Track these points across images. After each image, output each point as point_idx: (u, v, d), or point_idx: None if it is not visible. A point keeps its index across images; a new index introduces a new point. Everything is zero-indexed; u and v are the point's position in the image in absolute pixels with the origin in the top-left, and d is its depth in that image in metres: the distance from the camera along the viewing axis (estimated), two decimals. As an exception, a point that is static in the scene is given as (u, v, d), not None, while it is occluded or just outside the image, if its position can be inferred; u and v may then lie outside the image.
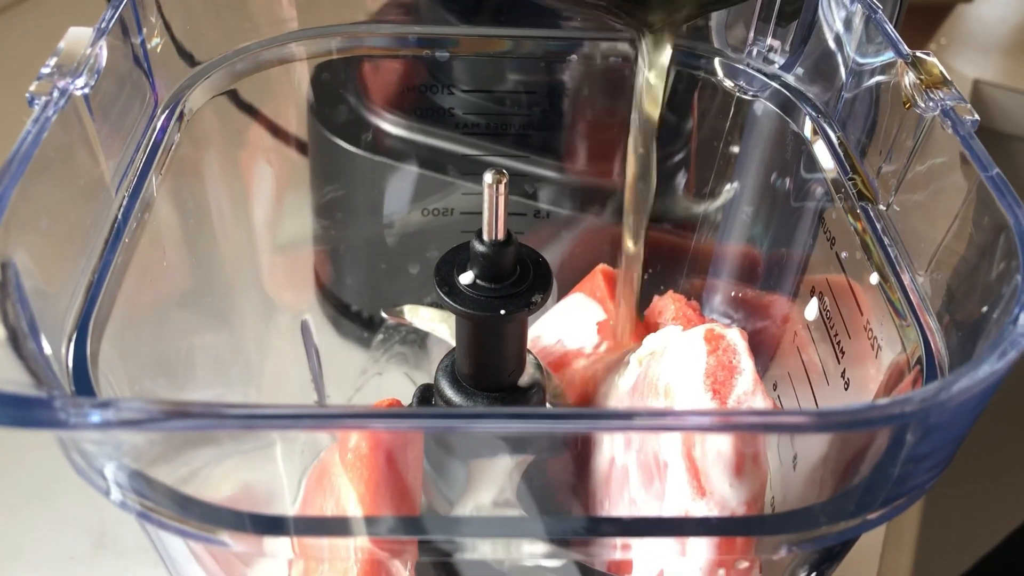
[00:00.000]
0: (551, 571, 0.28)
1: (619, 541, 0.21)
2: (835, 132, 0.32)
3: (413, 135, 0.39)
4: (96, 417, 0.18)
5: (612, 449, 0.30)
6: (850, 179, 0.30)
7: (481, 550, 0.21)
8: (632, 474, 0.28)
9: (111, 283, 0.25)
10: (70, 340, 0.23)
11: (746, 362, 0.27)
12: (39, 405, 0.18)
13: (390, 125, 0.39)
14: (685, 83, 0.36)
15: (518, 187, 0.39)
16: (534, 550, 0.21)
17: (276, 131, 0.39)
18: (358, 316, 0.41)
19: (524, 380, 0.31)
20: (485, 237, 0.28)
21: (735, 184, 0.36)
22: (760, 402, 0.27)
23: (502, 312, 0.28)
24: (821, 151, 0.31)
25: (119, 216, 0.27)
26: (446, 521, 0.22)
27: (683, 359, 0.28)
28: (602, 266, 0.36)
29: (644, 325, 0.35)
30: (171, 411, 0.18)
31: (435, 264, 0.29)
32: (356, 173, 0.39)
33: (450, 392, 0.31)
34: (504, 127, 0.38)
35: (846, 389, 0.29)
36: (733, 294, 0.37)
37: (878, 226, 0.28)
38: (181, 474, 0.21)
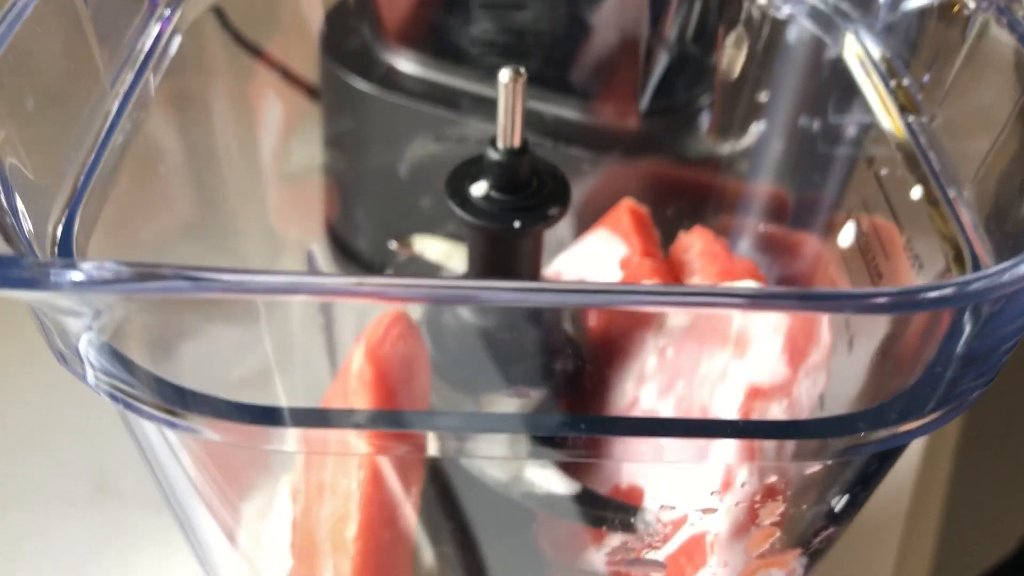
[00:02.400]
0: (562, 500, 0.26)
1: (636, 441, 0.19)
2: (875, 46, 0.30)
3: (428, 70, 0.38)
4: (66, 276, 0.17)
5: (640, 394, 0.28)
6: (891, 92, 0.28)
7: (489, 449, 0.20)
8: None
9: (101, 179, 0.24)
10: (56, 227, 0.22)
11: None
12: (8, 264, 0.17)
13: (404, 60, 0.38)
14: (717, 2, 0.34)
15: (538, 127, 0.37)
16: (544, 452, 0.20)
17: (284, 67, 0.37)
18: (367, 252, 0.40)
19: (539, 306, 0.29)
20: (500, 144, 0.26)
21: (768, 110, 0.34)
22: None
23: (516, 224, 0.26)
24: (860, 66, 0.30)
25: (113, 112, 0.25)
26: (454, 415, 0.20)
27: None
28: (628, 200, 0.34)
29: (668, 262, 0.33)
30: (145, 272, 0.17)
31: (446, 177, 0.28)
32: (368, 108, 0.38)
33: (461, 317, 0.29)
34: (525, 57, 0.37)
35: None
36: (763, 228, 0.35)
37: (921, 139, 0.26)
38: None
